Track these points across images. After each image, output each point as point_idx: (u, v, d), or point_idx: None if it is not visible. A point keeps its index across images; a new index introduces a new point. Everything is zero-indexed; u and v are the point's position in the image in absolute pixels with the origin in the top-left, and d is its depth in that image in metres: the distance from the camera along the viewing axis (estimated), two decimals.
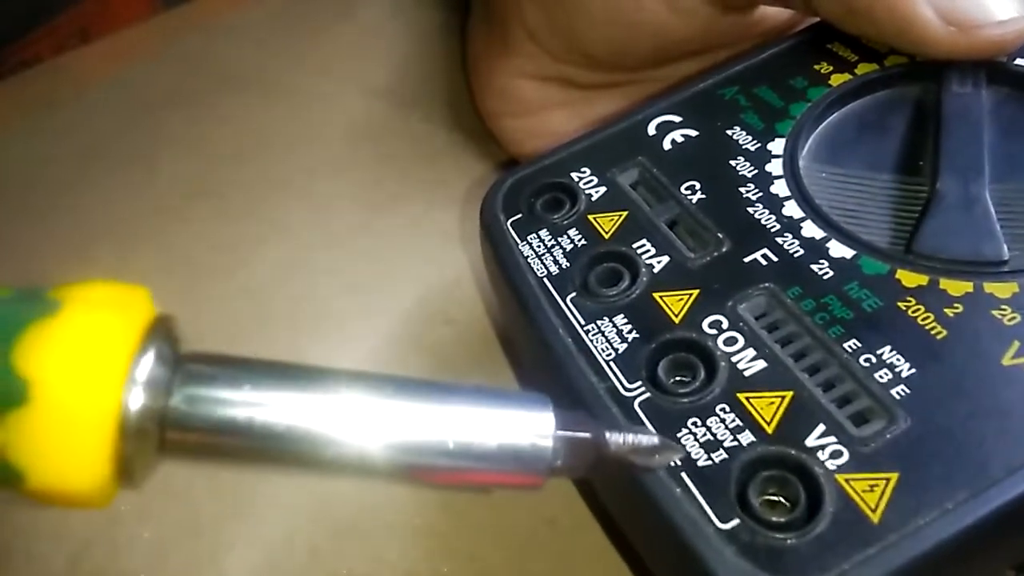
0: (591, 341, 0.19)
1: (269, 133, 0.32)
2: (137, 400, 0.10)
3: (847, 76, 0.22)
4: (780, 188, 0.20)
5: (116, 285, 0.11)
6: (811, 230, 0.19)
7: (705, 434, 0.16)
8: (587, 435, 0.12)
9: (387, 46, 0.36)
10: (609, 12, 0.24)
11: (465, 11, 0.32)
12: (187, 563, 0.21)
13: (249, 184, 0.31)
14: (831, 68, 0.23)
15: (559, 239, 0.21)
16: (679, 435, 0.16)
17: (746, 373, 0.17)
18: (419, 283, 0.27)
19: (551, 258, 0.21)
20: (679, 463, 0.16)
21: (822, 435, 0.16)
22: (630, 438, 0.13)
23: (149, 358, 0.11)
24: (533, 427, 0.12)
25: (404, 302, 0.27)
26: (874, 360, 0.17)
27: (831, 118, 0.22)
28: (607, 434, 0.13)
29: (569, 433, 0.12)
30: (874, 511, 0.15)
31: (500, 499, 0.21)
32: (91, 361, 0.10)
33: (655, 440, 0.13)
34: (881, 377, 0.16)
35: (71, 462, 0.10)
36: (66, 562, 0.21)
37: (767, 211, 0.20)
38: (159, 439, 0.11)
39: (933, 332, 0.17)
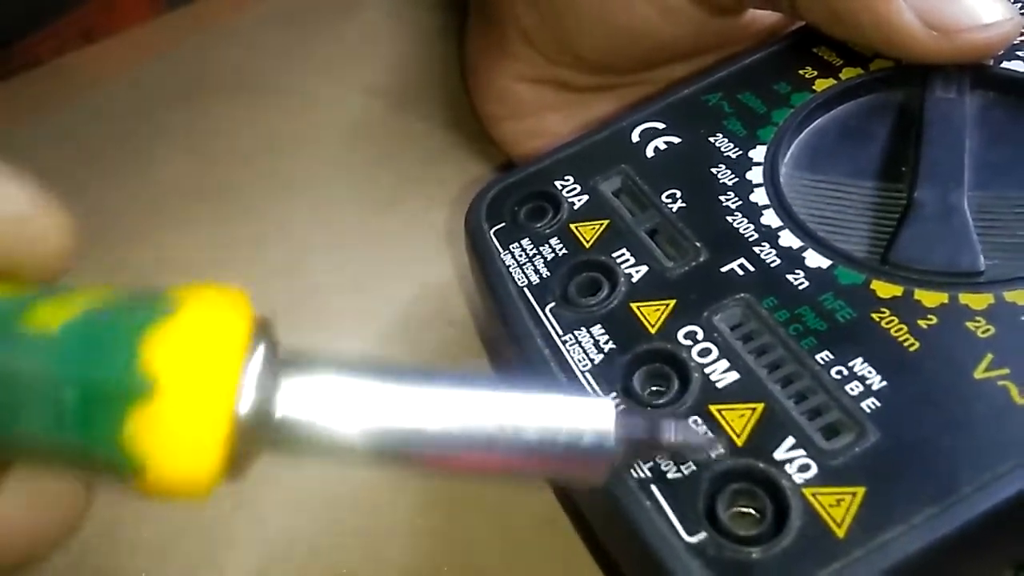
0: (568, 351, 0.19)
1: (269, 133, 0.33)
2: (249, 396, 0.11)
3: (831, 81, 0.22)
4: (759, 196, 0.20)
5: (220, 288, 0.12)
6: (788, 239, 0.19)
7: None
8: (647, 436, 0.14)
9: (386, 47, 0.36)
10: (599, 15, 0.24)
11: (464, 13, 0.32)
12: (187, 563, 0.21)
13: (249, 184, 0.31)
14: (815, 73, 0.23)
15: (541, 248, 0.21)
16: None
17: (719, 385, 0.17)
18: (419, 283, 0.27)
19: (532, 267, 0.21)
20: (648, 474, 0.16)
21: (791, 448, 0.16)
22: (681, 435, 0.14)
23: (259, 357, 0.11)
24: (597, 426, 0.13)
25: (404, 302, 0.27)
26: (845, 372, 0.17)
27: (814, 124, 0.22)
28: (662, 427, 0.14)
29: (631, 435, 0.13)
30: (839, 526, 0.15)
31: (500, 499, 0.22)
32: (210, 358, 0.11)
33: (703, 438, 0.15)
34: (852, 390, 0.16)
35: (191, 454, 0.11)
36: (67, 562, 0.21)
37: (746, 220, 0.20)
38: (266, 434, 0.12)
39: (906, 344, 0.17)
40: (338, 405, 0.12)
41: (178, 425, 0.11)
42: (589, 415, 0.13)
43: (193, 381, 0.11)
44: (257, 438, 0.11)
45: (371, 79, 0.35)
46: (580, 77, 0.27)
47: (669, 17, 0.24)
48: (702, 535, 0.15)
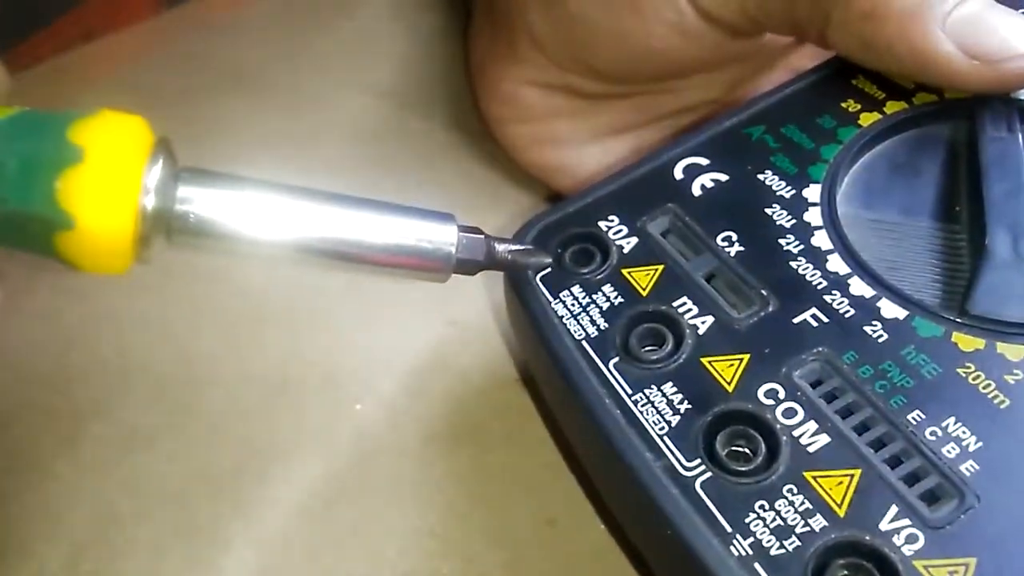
0: (641, 413, 0.18)
1: (269, 133, 0.32)
2: (152, 182, 0.14)
3: (876, 115, 0.22)
4: (822, 240, 0.20)
5: (123, 113, 0.15)
6: (859, 287, 0.19)
7: (775, 519, 0.16)
8: (480, 236, 0.18)
9: (387, 47, 0.36)
10: (615, 31, 0.23)
11: (466, 14, 0.31)
12: (185, 564, 0.21)
13: None
14: (859, 106, 0.22)
15: (594, 296, 0.20)
16: (747, 520, 0.16)
17: (810, 449, 0.16)
18: (419, 283, 0.27)
19: (588, 318, 0.20)
20: (750, 551, 0.15)
21: (895, 518, 0.15)
22: (511, 246, 0.20)
23: (160, 158, 0.14)
24: (441, 230, 0.17)
25: (404, 302, 0.26)
26: (940, 433, 0.16)
27: (862, 160, 0.22)
28: (495, 241, 0.19)
29: (467, 234, 0.18)
30: None
31: (500, 500, 0.22)
32: (127, 140, 0.14)
33: (529, 247, 0.20)
34: (949, 452, 0.16)
35: (111, 208, 0.13)
36: (64, 563, 0.21)
37: (811, 266, 0.19)
38: (166, 223, 0.15)
39: (995, 401, 0.16)
40: (228, 206, 0.15)
41: (101, 184, 0.13)
42: (436, 231, 0.17)
43: (113, 152, 0.14)
44: (160, 218, 0.14)
45: (371, 79, 0.35)
46: (590, 84, 0.26)
47: (686, 37, 0.23)
48: None
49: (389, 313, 0.26)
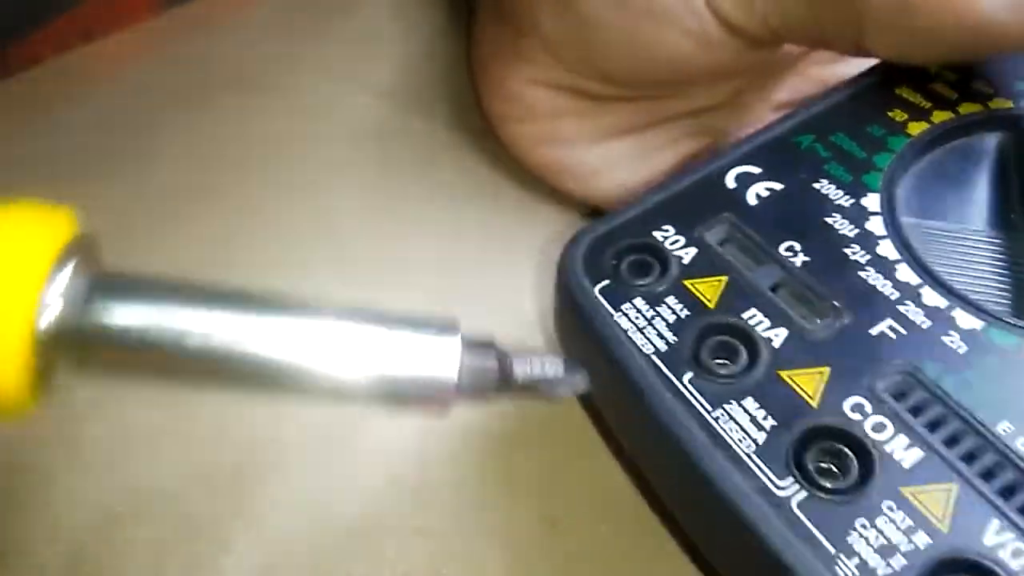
0: (725, 431, 0.17)
1: (269, 133, 0.32)
2: (53, 311, 0.11)
3: (924, 124, 0.22)
4: (888, 250, 0.19)
5: (39, 205, 0.12)
6: (932, 298, 0.18)
7: (878, 537, 0.15)
8: (492, 359, 0.13)
9: (388, 46, 0.36)
10: (631, 38, 0.23)
11: (468, 12, 0.31)
12: (185, 564, 0.21)
13: (249, 184, 0.30)
14: (905, 116, 0.22)
15: (658, 309, 0.20)
16: (849, 540, 0.15)
17: (904, 464, 0.16)
18: (418, 285, 0.27)
19: (655, 331, 0.19)
20: (856, 572, 0.15)
21: (999, 531, 0.15)
22: (536, 368, 0.13)
23: (67, 273, 0.11)
24: (439, 355, 0.13)
25: (405, 303, 0.25)
26: None
27: (915, 168, 0.22)
28: (514, 362, 0.13)
29: (474, 357, 0.13)
30: None
31: (500, 500, 0.22)
32: (8, 273, 0.11)
33: (560, 369, 0.14)
34: None
35: None
36: (63, 564, 0.21)
37: (880, 276, 0.19)
38: (78, 350, 0.12)
39: None
40: (151, 321, 0.12)
41: None
42: (433, 352, 0.13)
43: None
44: (67, 353, 0.12)
45: (372, 79, 0.34)
46: (597, 86, 0.25)
47: (703, 47, 0.23)
48: None
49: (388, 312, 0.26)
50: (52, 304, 0.11)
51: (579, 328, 0.20)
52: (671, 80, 0.25)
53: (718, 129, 0.28)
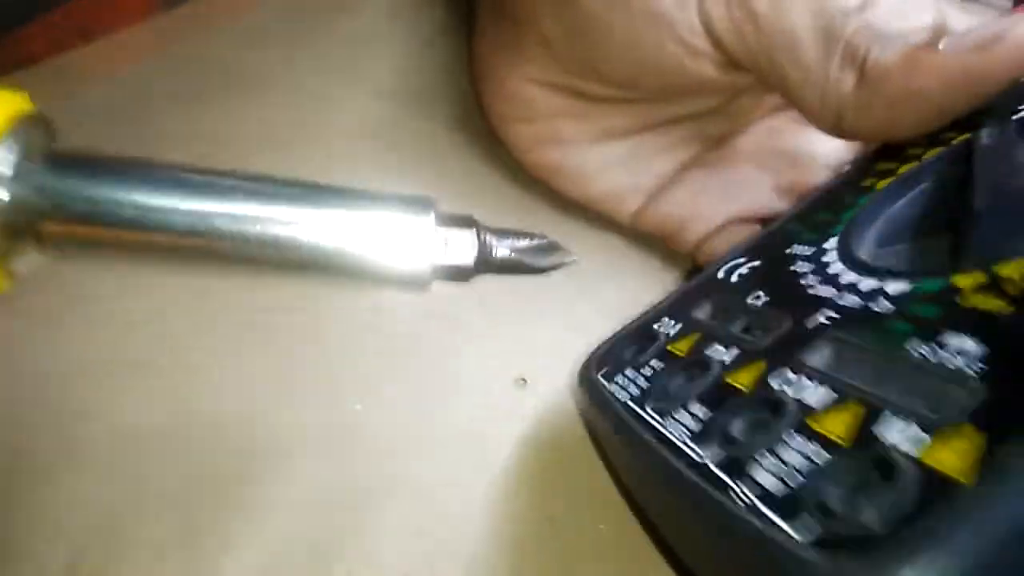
0: (663, 426, 0.19)
1: (269, 133, 0.32)
2: (4, 171, 0.11)
3: (890, 179, 0.23)
4: (837, 268, 0.21)
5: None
6: (867, 284, 0.19)
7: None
8: (471, 230, 0.13)
9: (388, 46, 0.36)
10: (628, 44, 0.24)
11: (468, 12, 0.31)
12: (185, 564, 0.21)
13: None
14: (875, 179, 0.24)
15: (641, 371, 0.22)
16: None
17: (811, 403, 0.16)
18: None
19: (635, 385, 0.21)
20: None
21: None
22: (517, 241, 0.13)
23: (12, 150, 0.11)
24: (416, 231, 0.12)
25: (403, 302, 0.26)
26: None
27: (878, 215, 0.22)
28: (495, 238, 0.13)
29: (452, 229, 0.13)
30: None
31: (500, 500, 0.22)
32: None
33: (543, 242, 0.13)
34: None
35: None
36: (64, 564, 0.21)
37: (825, 285, 0.20)
38: (35, 228, 0.11)
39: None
40: (100, 194, 0.12)
41: None
42: (410, 226, 0.12)
43: None
44: (24, 232, 0.11)
45: (372, 79, 0.34)
46: (595, 87, 0.26)
47: (699, 61, 0.24)
48: None
49: (387, 312, 0.26)
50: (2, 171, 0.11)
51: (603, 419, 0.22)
52: (665, 85, 0.25)
53: (715, 133, 0.28)
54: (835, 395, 0.16)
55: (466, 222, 0.13)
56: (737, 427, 0.17)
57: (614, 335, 0.25)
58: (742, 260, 0.24)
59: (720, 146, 0.28)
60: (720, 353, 0.20)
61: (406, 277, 0.13)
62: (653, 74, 0.24)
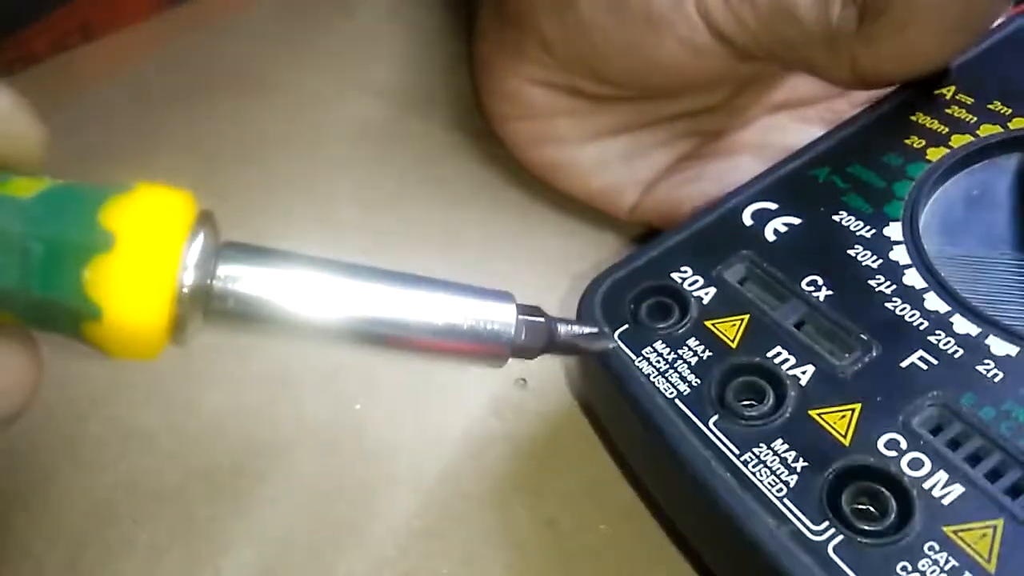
0: (754, 474, 0.17)
1: (269, 133, 0.32)
2: (192, 261, 0.13)
3: (944, 150, 0.22)
4: (914, 279, 0.19)
5: (167, 187, 0.14)
6: (963, 325, 0.18)
7: None
8: (542, 320, 0.16)
9: (387, 46, 0.36)
10: (628, 43, 0.23)
11: (467, 13, 0.31)
12: (183, 564, 0.21)
13: (248, 184, 0.30)
14: (923, 142, 0.22)
15: (679, 352, 0.19)
16: None
17: (944, 501, 0.15)
18: None
19: (677, 375, 0.19)
20: None
21: None
22: (575, 328, 0.16)
23: (201, 236, 0.13)
24: (499, 312, 0.15)
25: None
26: None
27: (937, 195, 0.21)
28: (557, 324, 0.16)
29: (527, 318, 0.15)
30: None
31: (500, 500, 0.21)
32: (162, 223, 0.13)
33: (594, 330, 0.16)
34: None
35: (142, 298, 0.12)
36: (63, 563, 0.21)
37: (908, 306, 0.19)
38: (204, 304, 0.13)
39: None
40: (272, 286, 0.14)
41: (132, 273, 0.12)
42: (493, 313, 0.15)
43: (147, 238, 0.13)
44: (198, 305, 0.13)
45: (372, 78, 0.34)
46: (594, 87, 0.26)
47: (699, 56, 0.23)
48: None
49: None
50: (189, 265, 0.13)
51: (601, 374, 0.20)
52: (665, 85, 0.25)
53: (713, 130, 0.28)
54: (963, 491, 0.16)
55: (538, 311, 0.16)
56: (849, 501, 0.16)
57: (616, 269, 0.21)
58: (772, 207, 0.21)
59: (718, 140, 0.28)
60: (790, 364, 0.18)
61: (490, 358, 0.15)
62: (654, 74, 0.24)
